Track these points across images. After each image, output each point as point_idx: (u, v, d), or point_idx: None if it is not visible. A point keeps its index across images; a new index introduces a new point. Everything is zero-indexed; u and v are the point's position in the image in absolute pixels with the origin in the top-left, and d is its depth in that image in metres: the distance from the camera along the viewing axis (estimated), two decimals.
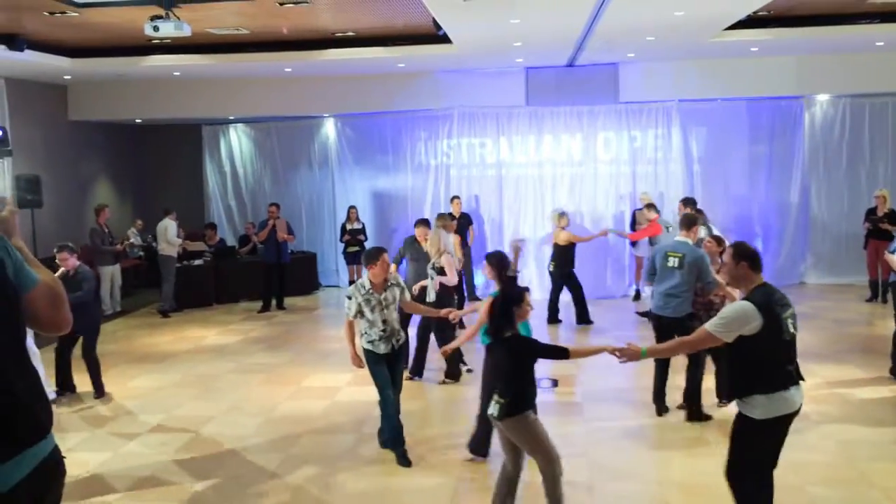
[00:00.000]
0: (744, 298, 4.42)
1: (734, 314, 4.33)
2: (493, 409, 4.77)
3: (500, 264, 6.16)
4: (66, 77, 13.29)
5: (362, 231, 14.08)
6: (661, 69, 13.51)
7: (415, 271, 8.66)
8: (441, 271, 8.18)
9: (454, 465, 6.18)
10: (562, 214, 11.42)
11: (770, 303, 4.31)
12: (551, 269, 11.35)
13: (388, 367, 6.30)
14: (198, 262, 13.81)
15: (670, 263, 7.10)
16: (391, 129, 14.73)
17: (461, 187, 14.06)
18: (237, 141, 15.70)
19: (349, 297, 6.27)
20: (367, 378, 6.40)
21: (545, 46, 11.58)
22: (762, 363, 4.32)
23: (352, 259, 13.87)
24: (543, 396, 7.16)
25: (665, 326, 7.10)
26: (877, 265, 12.07)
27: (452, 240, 8.98)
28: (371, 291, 6.22)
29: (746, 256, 4.49)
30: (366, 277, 6.27)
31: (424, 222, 9.01)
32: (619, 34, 10.69)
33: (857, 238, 12.88)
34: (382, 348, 6.25)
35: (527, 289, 5.18)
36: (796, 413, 4.40)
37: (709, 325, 4.41)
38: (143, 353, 10.39)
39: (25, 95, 13.09)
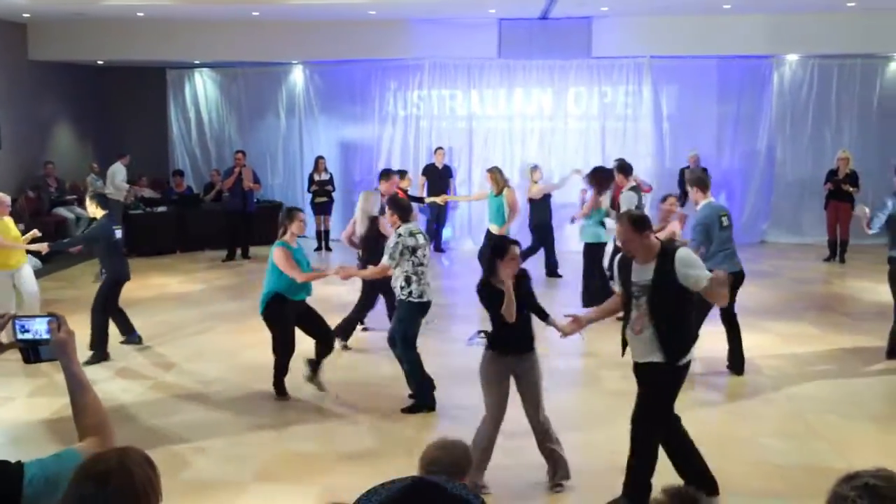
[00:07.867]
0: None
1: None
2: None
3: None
4: (25, 15, 12.85)
5: (330, 182, 13.92)
6: (634, 24, 13.41)
7: None
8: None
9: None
10: (534, 168, 11.39)
11: None
12: (533, 224, 11.13)
13: None
14: (161, 208, 13.63)
15: (726, 223, 6.98)
16: (360, 79, 14.51)
17: (431, 139, 13.97)
18: (202, 86, 15.37)
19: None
20: None
21: None
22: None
23: (319, 209, 13.73)
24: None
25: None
26: (836, 226, 12.31)
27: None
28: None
29: (650, 226, 4.61)
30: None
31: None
32: None
33: (819, 198, 13.02)
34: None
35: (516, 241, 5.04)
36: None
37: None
38: None
39: None
